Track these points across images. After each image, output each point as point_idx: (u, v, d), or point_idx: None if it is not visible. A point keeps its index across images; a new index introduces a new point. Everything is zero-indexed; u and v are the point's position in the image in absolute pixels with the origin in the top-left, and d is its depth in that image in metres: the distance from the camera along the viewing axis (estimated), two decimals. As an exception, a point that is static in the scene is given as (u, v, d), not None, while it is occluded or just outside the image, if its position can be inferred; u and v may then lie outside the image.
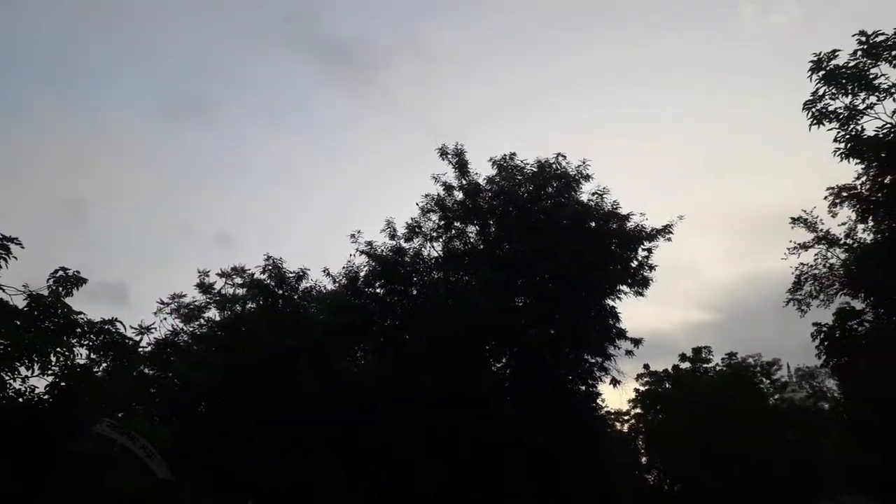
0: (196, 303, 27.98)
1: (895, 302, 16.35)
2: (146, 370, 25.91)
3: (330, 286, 27.39)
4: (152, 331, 24.72)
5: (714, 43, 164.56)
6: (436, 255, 27.96)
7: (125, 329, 15.20)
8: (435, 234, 28.00)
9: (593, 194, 27.39)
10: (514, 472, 23.44)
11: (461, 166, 27.51)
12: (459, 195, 27.82)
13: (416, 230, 27.63)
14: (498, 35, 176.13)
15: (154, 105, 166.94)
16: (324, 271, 27.06)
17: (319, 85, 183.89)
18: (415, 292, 26.23)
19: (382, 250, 26.32)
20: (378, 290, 26.24)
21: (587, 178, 27.43)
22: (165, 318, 27.43)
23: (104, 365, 15.36)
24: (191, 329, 27.60)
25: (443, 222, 27.88)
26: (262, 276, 27.03)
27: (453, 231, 28.08)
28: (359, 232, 26.43)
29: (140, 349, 24.06)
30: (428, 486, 22.98)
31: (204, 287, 28.16)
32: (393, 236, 27.26)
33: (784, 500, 40.89)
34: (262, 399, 23.18)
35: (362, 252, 26.19)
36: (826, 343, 18.03)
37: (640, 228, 27.31)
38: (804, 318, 23.04)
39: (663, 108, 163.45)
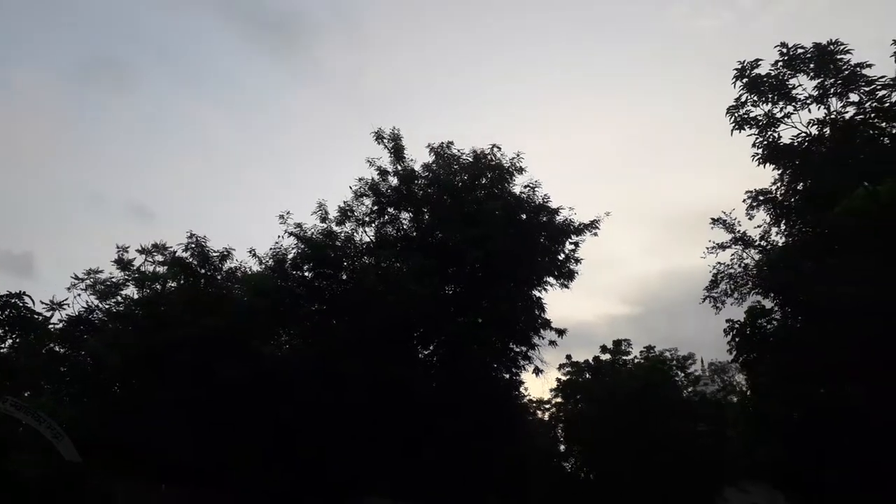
0: (113, 279, 26.76)
1: (802, 302, 17.34)
2: (57, 348, 24.69)
3: (256, 267, 26.75)
4: (65, 307, 23.68)
5: (646, 41, 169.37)
6: (368, 240, 27.82)
7: (33, 303, 14.38)
8: (368, 219, 27.87)
9: (525, 187, 27.95)
10: (435, 456, 23.69)
11: (397, 151, 27.41)
12: (394, 181, 27.75)
13: (349, 214, 27.41)
14: (432, 10, 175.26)
15: (67, 65, 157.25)
16: (250, 252, 26.37)
17: (247, 54, 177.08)
18: (344, 277, 25.96)
19: (313, 233, 25.91)
20: (306, 274, 25.83)
21: (520, 170, 27.94)
22: (80, 294, 26.12)
23: (10, 341, 14.53)
24: (106, 306, 26.39)
25: (376, 207, 27.77)
26: (185, 255, 26.11)
27: (386, 217, 28.02)
28: (288, 213, 25.92)
29: (50, 325, 22.96)
30: (349, 468, 22.95)
31: (122, 263, 26.94)
32: (324, 219, 26.95)
33: (692, 487, 42.94)
34: (180, 380, 22.45)
35: (291, 234, 25.71)
36: (737, 339, 18.98)
37: (569, 222, 28.04)
38: (719, 314, 24.08)
39: (595, 102, 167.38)
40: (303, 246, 25.53)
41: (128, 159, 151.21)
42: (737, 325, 18.80)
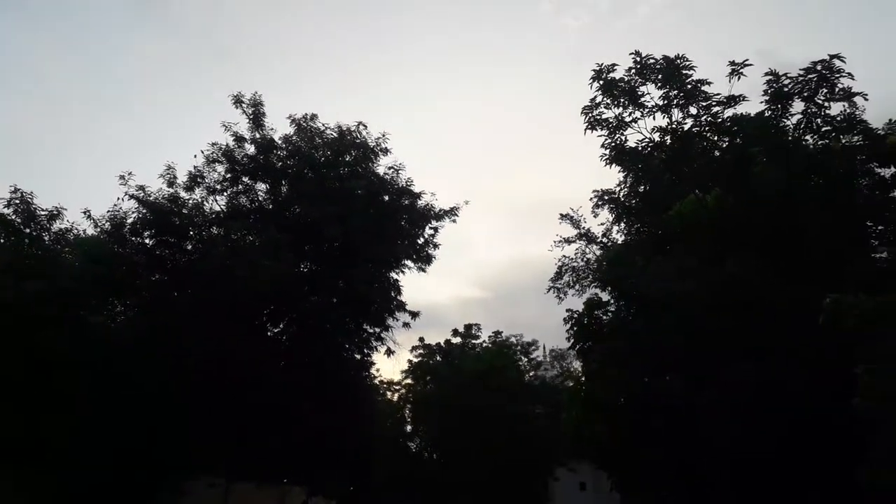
0: (-83, 233, 23.44)
1: (633, 296, 18.73)
2: None
3: (91, 231, 24.55)
4: None
5: (512, 33, 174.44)
6: (218, 209, 26.45)
7: None
8: (220, 187, 26.46)
9: (389, 168, 27.87)
10: (280, 435, 23.21)
11: (256, 118, 26.23)
12: (251, 149, 26.54)
13: (199, 180, 25.88)
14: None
15: None
16: (84, 213, 24.09)
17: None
18: (190, 247, 24.58)
19: (157, 197, 24.19)
20: (147, 241, 24.13)
21: (385, 151, 27.74)
22: None
23: None
24: None
25: (230, 175, 26.44)
26: (7, 211, 23.40)
27: (241, 186, 26.77)
28: (129, 174, 23.91)
29: None
30: (185, 447, 21.87)
31: (-69, 217, 23.65)
32: (172, 184, 25.25)
33: (529, 466, 45.45)
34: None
35: (132, 196, 23.79)
36: (575, 328, 20.16)
37: (430, 207, 28.42)
38: (561, 304, 25.67)
39: (461, 88, 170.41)
40: (145, 211, 23.77)
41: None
42: (575, 315, 19.99)
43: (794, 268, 15.97)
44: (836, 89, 17.12)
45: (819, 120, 17.67)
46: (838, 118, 17.42)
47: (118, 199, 23.99)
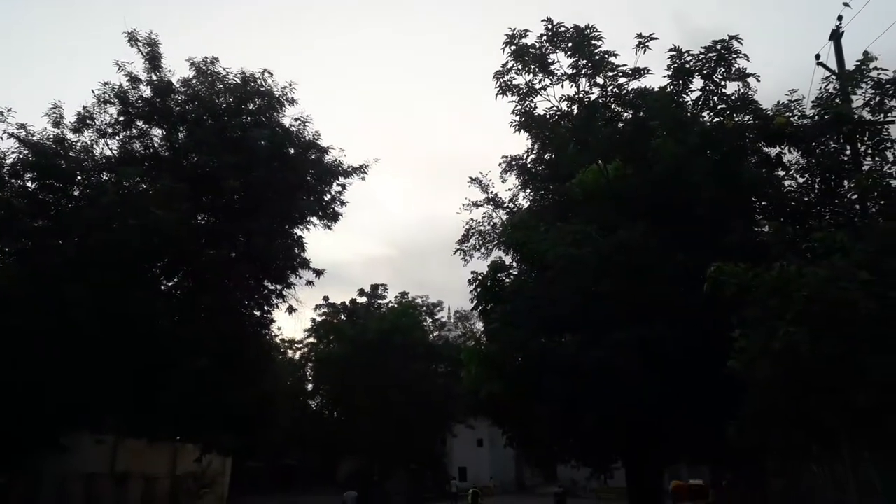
0: None
1: (534, 259, 19.18)
2: None
3: (-36, 170, 22.54)
4: None
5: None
6: (109, 153, 24.85)
7: None
8: (111, 130, 24.84)
9: (296, 120, 27.09)
10: (171, 391, 22.47)
11: (153, 59, 24.62)
12: (147, 91, 24.95)
13: (89, 122, 24.18)
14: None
15: None
16: (-45, 151, 22.09)
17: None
18: (77, 192, 23.01)
19: (41, 137, 22.42)
20: (29, 184, 22.42)
21: (292, 101, 26.89)
22: None
23: None
24: None
25: (123, 118, 24.82)
26: None
27: (134, 130, 25.26)
28: (9, 110, 22.06)
29: None
30: (70, 402, 20.80)
31: None
32: (58, 123, 23.49)
33: (429, 423, 46.46)
34: None
35: (12, 135, 21.98)
36: (479, 290, 20.46)
37: (338, 163, 27.91)
38: (467, 266, 26.11)
39: (376, 43, 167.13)
40: (26, 151, 22.01)
41: None
42: (479, 278, 20.26)
43: (684, 237, 16.80)
44: (733, 69, 17.98)
45: (716, 98, 18.50)
46: (733, 97, 18.30)
47: (-4, 136, 22.14)
